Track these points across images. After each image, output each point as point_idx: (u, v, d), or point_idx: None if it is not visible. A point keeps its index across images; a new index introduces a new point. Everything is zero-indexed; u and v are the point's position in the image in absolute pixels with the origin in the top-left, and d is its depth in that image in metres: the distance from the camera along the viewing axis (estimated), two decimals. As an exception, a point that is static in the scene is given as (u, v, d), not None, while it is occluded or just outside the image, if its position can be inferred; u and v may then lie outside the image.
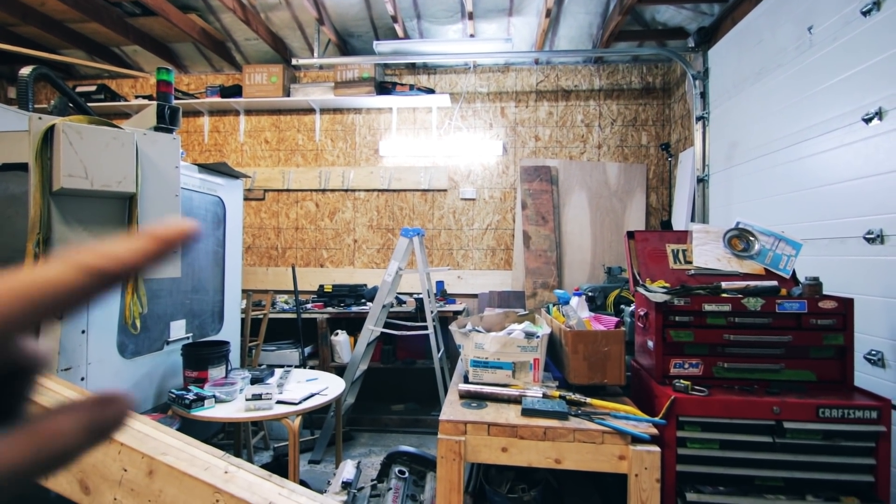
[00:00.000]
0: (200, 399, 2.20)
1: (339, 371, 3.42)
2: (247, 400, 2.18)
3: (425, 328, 3.29)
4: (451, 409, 1.62)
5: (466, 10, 3.59)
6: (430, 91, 4.31)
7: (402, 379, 4.20)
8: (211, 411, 2.19)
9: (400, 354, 3.95)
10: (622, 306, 3.10)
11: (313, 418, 3.50)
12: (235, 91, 4.41)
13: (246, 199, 4.51)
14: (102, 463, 1.39)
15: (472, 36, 3.92)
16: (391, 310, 3.64)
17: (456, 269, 4.40)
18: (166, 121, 2.03)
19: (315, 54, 4.04)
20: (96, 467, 1.39)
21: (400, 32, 3.80)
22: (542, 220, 4.12)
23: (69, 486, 1.40)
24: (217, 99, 4.40)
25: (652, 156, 4.27)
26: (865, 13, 2.04)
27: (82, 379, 2.01)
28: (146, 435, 1.45)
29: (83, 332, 1.99)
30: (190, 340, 2.64)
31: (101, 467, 1.39)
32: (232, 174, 2.93)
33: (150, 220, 1.93)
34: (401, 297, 4.07)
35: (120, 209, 1.89)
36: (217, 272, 2.93)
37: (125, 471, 1.37)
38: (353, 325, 3.90)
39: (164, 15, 3.50)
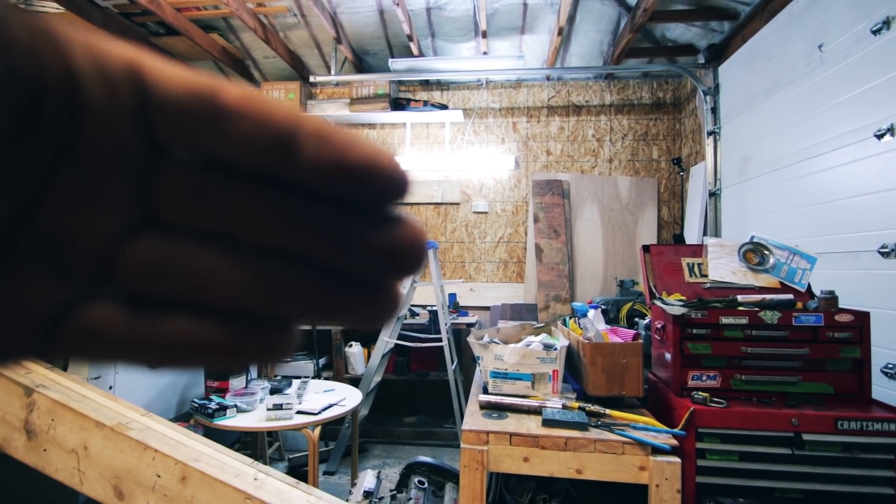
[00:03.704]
0: (223, 409, 2.24)
1: (353, 382, 3.46)
2: (268, 410, 2.22)
3: (439, 340, 3.33)
4: (473, 419, 1.65)
5: (480, 29, 3.68)
6: (444, 107, 4.39)
7: (415, 391, 4.22)
8: (233, 421, 2.23)
9: (413, 366, 3.98)
10: (636, 319, 3.12)
11: (327, 430, 3.52)
12: (253, 107, 4.52)
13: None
14: (137, 469, 1.43)
15: (485, 53, 4.01)
16: (405, 322, 3.68)
17: (468, 282, 4.44)
18: (195, 138, 2.11)
19: (332, 72, 4.14)
20: (131, 473, 1.43)
21: (415, 50, 3.89)
22: (555, 234, 4.16)
23: (103, 492, 1.44)
24: (235, 115, 4.51)
25: (663, 170, 4.31)
26: (875, 32, 2.08)
27: (110, 388, 2.07)
28: (178, 442, 1.50)
29: (112, 341, 2.05)
30: (210, 351, 2.69)
31: (135, 473, 1.43)
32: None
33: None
34: (414, 309, 4.11)
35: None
36: (237, 284, 2.99)
37: (159, 476, 1.41)
38: (367, 337, 3.94)
39: (188, 35, 3.61)
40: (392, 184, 0.16)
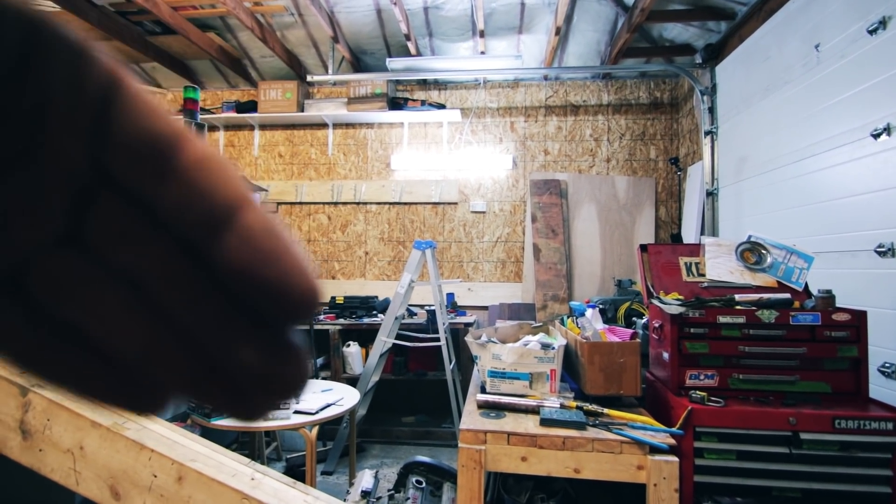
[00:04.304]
0: (220, 408, 2.23)
1: (351, 382, 3.45)
2: (265, 409, 2.21)
3: (437, 340, 3.32)
4: (471, 418, 1.65)
5: (478, 29, 3.67)
6: (441, 106, 4.39)
7: (413, 390, 4.22)
8: (230, 420, 2.22)
9: (411, 366, 3.98)
10: (633, 318, 3.13)
11: (325, 429, 3.52)
12: (250, 106, 4.51)
13: (259, 211, 4.58)
14: (133, 469, 1.43)
15: (482, 53, 4.01)
16: (403, 321, 3.67)
17: (466, 282, 4.43)
18: (192, 137, 2.10)
19: (329, 71, 4.13)
20: (127, 473, 1.43)
21: (412, 50, 3.89)
22: (552, 233, 4.16)
23: (99, 492, 1.43)
24: (232, 114, 4.50)
25: (661, 169, 4.32)
26: (872, 32, 2.09)
27: (106, 388, 2.05)
28: (175, 442, 1.49)
29: (108, 341, 2.04)
30: (207, 351, 2.68)
31: (131, 473, 1.43)
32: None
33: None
34: (412, 308, 4.11)
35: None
36: (234, 284, 2.98)
37: (155, 476, 1.41)
38: (365, 337, 3.93)
39: (185, 34, 3.60)
40: (298, 309, 0.16)
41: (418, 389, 4.20)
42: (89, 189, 0.15)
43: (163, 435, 1.50)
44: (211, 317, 0.16)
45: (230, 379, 0.17)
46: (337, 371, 3.78)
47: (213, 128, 4.74)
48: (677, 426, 1.57)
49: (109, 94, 0.15)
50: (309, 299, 0.16)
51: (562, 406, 1.67)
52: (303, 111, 4.41)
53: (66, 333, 0.16)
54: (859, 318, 1.66)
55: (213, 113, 4.57)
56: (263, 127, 4.72)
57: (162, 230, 0.16)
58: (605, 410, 1.66)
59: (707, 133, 3.54)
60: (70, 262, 0.16)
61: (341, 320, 3.90)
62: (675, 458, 1.48)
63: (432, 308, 3.61)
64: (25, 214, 0.15)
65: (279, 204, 4.68)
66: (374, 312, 4.04)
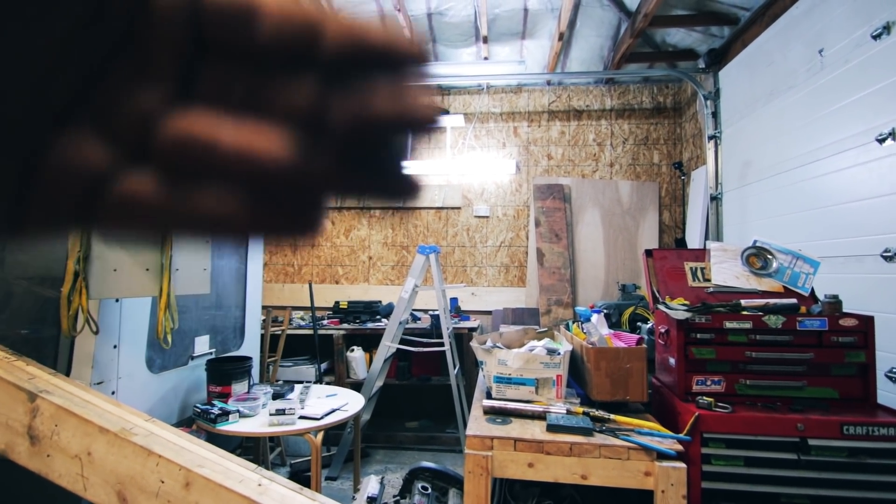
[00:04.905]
0: (225, 413, 2.23)
1: (355, 387, 3.44)
2: (270, 415, 2.21)
3: (441, 345, 3.32)
4: (477, 424, 1.65)
5: (481, 34, 3.69)
6: (445, 112, 4.40)
7: (417, 395, 4.21)
8: (235, 426, 2.22)
9: (415, 371, 3.97)
10: (638, 323, 3.12)
11: (329, 435, 3.51)
12: (255, 112, 4.53)
13: (263, 216, 4.59)
14: (140, 475, 1.43)
15: (486, 58, 4.03)
16: (406, 326, 3.67)
17: (470, 286, 4.43)
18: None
19: (333, 77, 4.16)
20: (134, 479, 1.43)
21: (416, 55, 3.90)
22: (556, 238, 4.16)
23: (107, 498, 1.43)
24: (237, 120, 4.52)
25: (664, 174, 4.32)
26: (876, 37, 2.09)
27: (113, 392, 2.06)
28: (182, 447, 1.49)
29: (115, 346, 2.05)
30: (213, 356, 2.69)
31: (139, 479, 1.43)
32: (255, 193, 3.01)
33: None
34: (416, 313, 4.11)
35: (154, 228, 1.96)
36: (239, 288, 2.99)
37: (162, 482, 1.41)
38: (369, 342, 3.93)
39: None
40: (409, 55, 0.18)
41: (422, 394, 4.19)
42: (195, 58, 0.17)
43: (170, 440, 1.50)
44: (341, 95, 0.18)
45: (374, 160, 0.19)
46: (341, 376, 3.78)
47: (217, 133, 4.77)
48: (684, 432, 1.57)
49: None
50: (414, 45, 0.18)
51: (568, 412, 1.67)
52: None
53: (207, 182, 0.18)
54: (866, 323, 1.66)
55: (217, 118, 4.59)
56: (268, 132, 4.74)
57: (260, 67, 0.18)
58: (612, 416, 1.65)
59: (711, 137, 3.54)
60: (190, 119, 0.17)
61: (345, 325, 3.90)
62: (683, 465, 1.48)
63: (436, 313, 3.61)
64: (141, 88, 0.17)
65: (283, 209, 4.69)
66: (378, 317, 4.04)
